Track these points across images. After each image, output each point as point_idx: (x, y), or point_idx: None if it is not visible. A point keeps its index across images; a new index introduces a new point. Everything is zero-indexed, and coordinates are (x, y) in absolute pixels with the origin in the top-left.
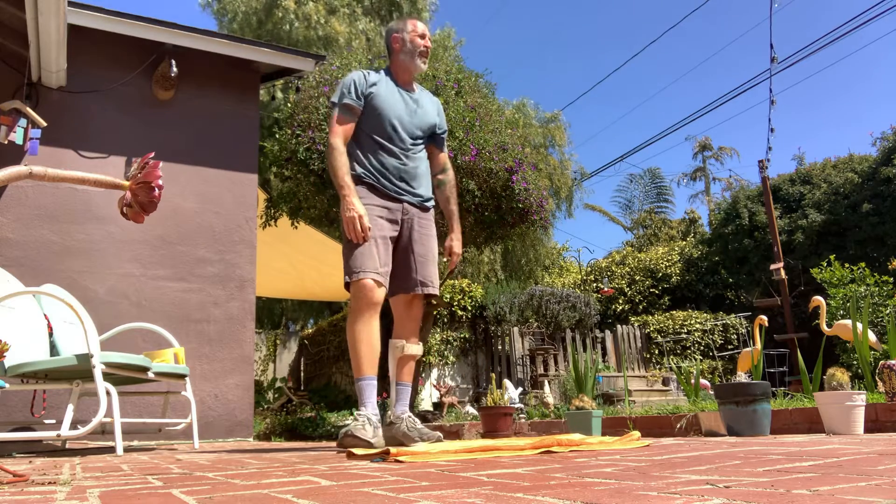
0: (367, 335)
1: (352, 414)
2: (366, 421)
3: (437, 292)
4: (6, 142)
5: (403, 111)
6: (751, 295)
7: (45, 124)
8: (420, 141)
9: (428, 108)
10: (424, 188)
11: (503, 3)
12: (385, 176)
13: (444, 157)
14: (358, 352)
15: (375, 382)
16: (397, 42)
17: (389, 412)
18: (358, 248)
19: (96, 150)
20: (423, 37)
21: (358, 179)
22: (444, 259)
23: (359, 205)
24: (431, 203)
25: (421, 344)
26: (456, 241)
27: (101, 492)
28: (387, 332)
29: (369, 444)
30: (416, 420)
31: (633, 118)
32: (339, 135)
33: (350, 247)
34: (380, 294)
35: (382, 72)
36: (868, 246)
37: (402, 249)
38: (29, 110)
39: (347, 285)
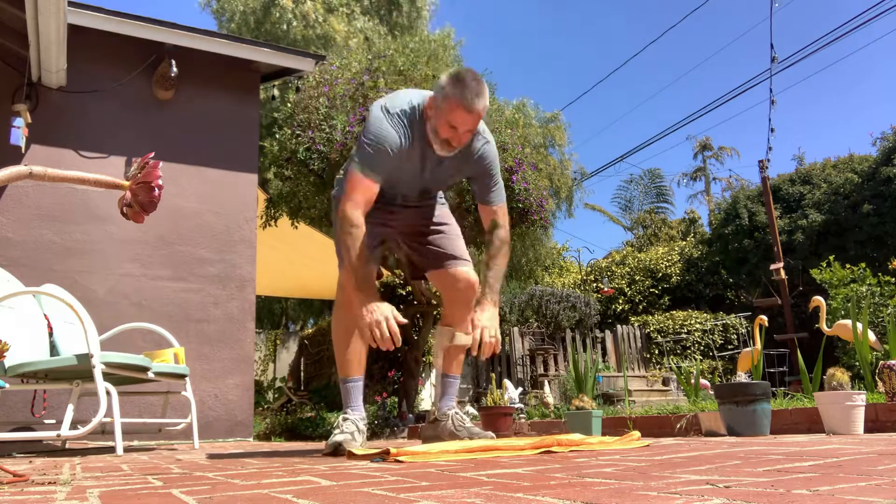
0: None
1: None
2: (354, 430)
3: (469, 266)
4: (24, 152)
5: (416, 173)
6: (751, 295)
7: (22, 108)
8: (435, 194)
9: (451, 167)
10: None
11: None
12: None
13: (495, 210)
14: (347, 347)
15: (362, 384)
16: (429, 111)
17: (433, 408)
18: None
19: (96, 150)
20: (454, 129)
21: None
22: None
23: (382, 306)
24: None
25: (471, 333)
26: (484, 314)
27: (101, 492)
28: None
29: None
30: (465, 417)
31: (633, 118)
32: (359, 203)
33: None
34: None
35: (412, 117)
36: (868, 246)
37: (414, 241)
38: (20, 106)
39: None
